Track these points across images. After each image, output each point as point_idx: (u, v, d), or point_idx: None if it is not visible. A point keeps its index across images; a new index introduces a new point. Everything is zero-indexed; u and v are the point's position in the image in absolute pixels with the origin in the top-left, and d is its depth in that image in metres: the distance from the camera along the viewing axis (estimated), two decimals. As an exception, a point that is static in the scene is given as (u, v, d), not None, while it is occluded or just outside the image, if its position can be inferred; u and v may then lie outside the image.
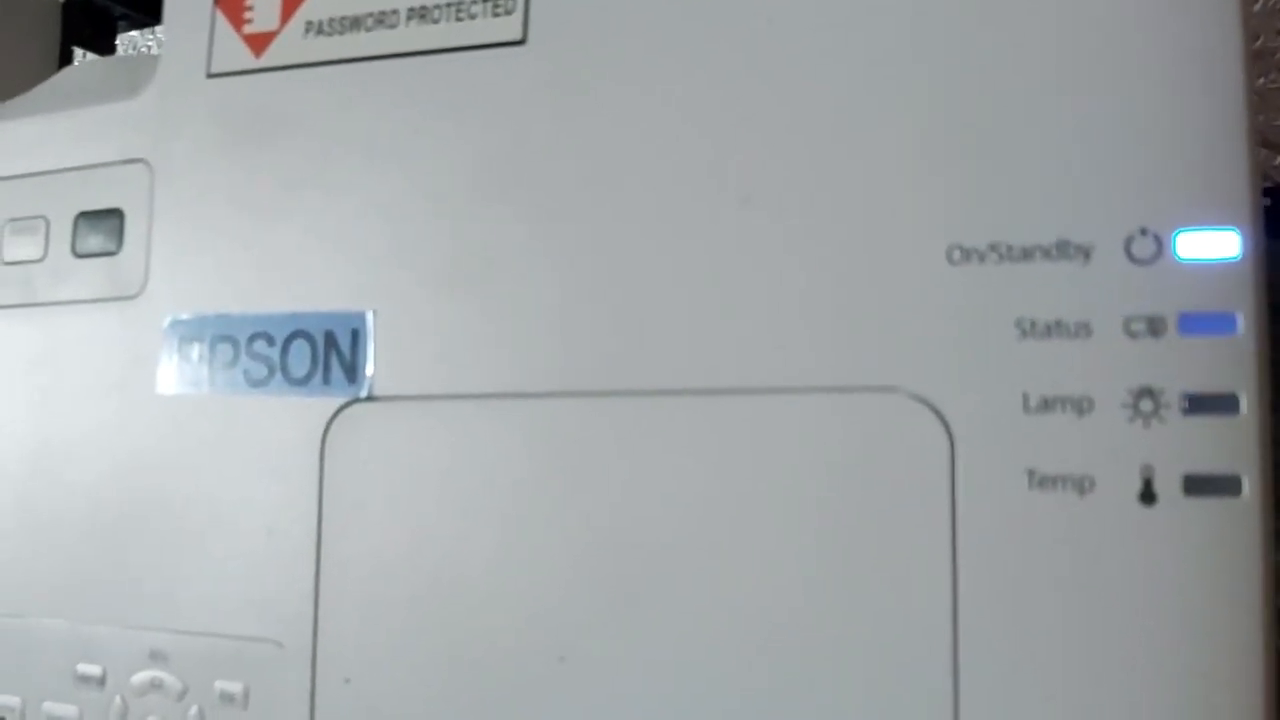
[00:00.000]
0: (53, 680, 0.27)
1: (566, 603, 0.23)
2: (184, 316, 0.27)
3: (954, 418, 0.20)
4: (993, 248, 0.21)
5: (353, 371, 0.25)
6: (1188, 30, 0.20)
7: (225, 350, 0.26)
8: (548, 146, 0.24)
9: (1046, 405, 0.20)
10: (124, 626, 0.27)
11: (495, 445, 0.24)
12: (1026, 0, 0.21)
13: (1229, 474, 0.19)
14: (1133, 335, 0.20)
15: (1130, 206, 0.20)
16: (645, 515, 0.22)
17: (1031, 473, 0.20)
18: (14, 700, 0.28)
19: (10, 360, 0.29)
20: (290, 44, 0.27)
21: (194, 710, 0.26)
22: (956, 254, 0.21)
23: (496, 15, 0.25)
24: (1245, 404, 0.19)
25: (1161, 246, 0.20)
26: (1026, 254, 0.20)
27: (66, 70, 0.34)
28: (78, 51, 0.57)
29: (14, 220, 0.29)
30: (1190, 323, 0.19)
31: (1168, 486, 0.19)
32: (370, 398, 0.25)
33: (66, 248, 0.29)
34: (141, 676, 0.26)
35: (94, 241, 0.28)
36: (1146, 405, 0.19)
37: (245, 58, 0.27)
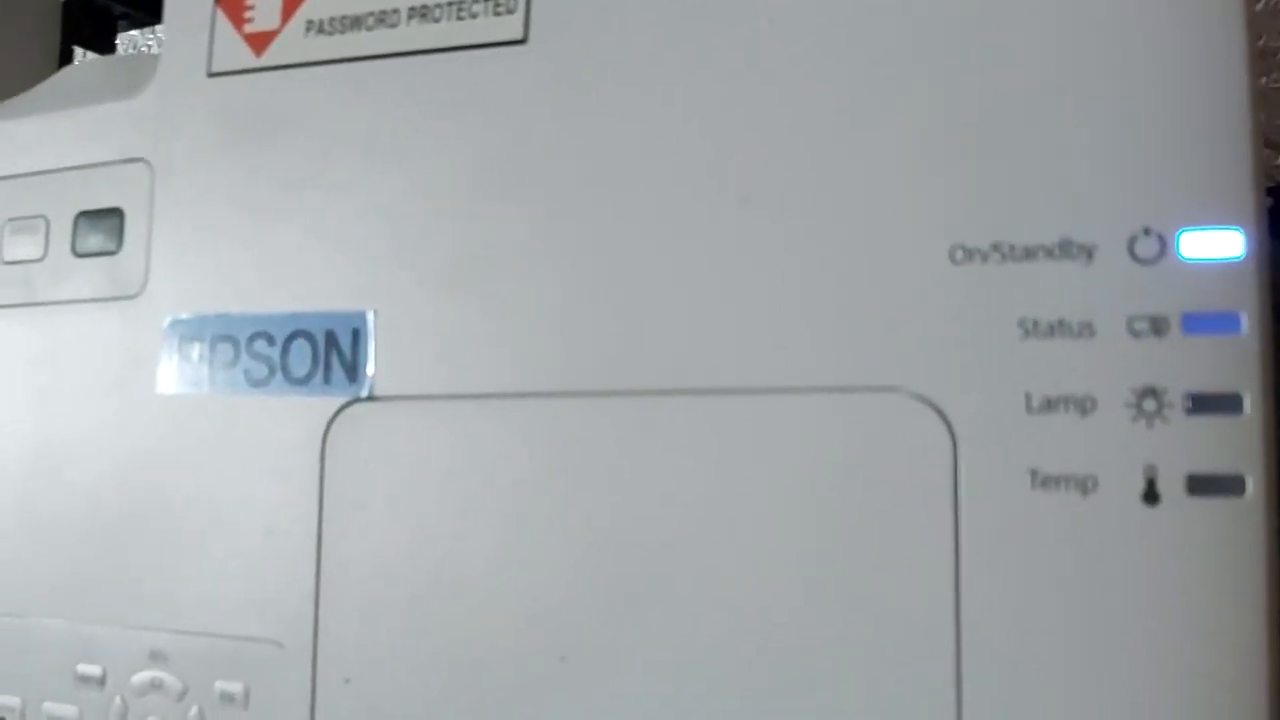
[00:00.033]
0: (53, 680, 0.27)
1: (568, 603, 0.23)
2: (184, 316, 0.27)
3: (956, 418, 0.20)
4: (995, 247, 0.20)
5: (353, 371, 0.25)
6: (1191, 29, 0.20)
7: (225, 350, 0.26)
8: (549, 146, 0.24)
9: (1049, 405, 0.20)
10: (124, 626, 0.27)
11: (496, 445, 0.24)
12: (1029, -1, 0.21)
13: (1233, 474, 0.19)
14: (1136, 335, 0.20)
15: (1133, 206, 0.20)
16: (647, 515, 0.22)
17: (1034, 473, 0.20)
18: (14, 700, 0.28)
19: (10, 360, 0.29)
20: (291, 43, 0.27)
21: (194, 710, 0.26)
22: (959, 254, 0.21)
23: (497, 14, 0.25)
24: (1249, 404, 0.19)
25: (1165, 246, 0.20)
26: (1029, 253, 0.20)
27: (67, 69, 0.34)
28: (78, 51, 0.57)
29: (14, 220, 0.29)
30: (1194, 322, 0.19)
31: (1171, 486, 0.19)
32: (371, 397, 0.25)
33: (66, 247, 0.29)
34: (141, 677, 0.26)
35: (94, 241, 0.28)
36: (1150, 405, 0.19)
37: (246, 57, 0.27)
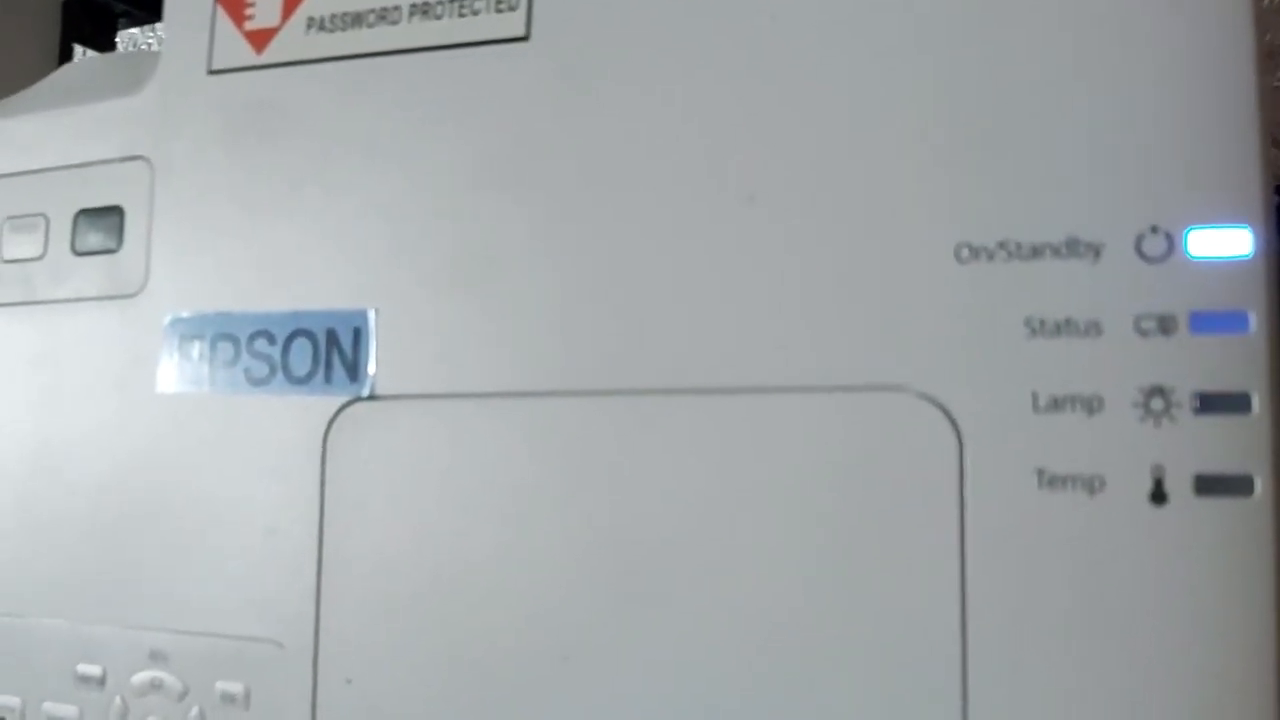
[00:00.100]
0: (53, 680, 0.27)
1: (571, 602, 0.22)
2: (184, 315, 0.27)
3: (963, 417, 0.20)
4: (1002, 246, 0.20)
5: (354, 370, 0.25)
6: (1199, 27, 0.20)
7: (226, 349, 0.26)
8: (550, 144, 0.24)
9: (1056, 404, 0.20)
10: (124, 626, 0.26)
11: (498, 445, 0.23)
12: (1035, -4, 0.21)
13: (1241, 474, 0.19)
14: (1143, 334, 0.19)
15: (1141, 204, 0.20)
16: (651, 515, 0.22)
17: (1041, 472, 0.20)
18: (14, 700, 0.28)
19: (10, 359, 0.29)
20: (291, 40, 0.26)
21: (195, 711, 0.26)
22: (965, 252, 0.21)
23: (499, 11, 0.25)
24: (1257, 403, 0.19)
25: (1172, 244, 0.20)
26: (1036, 252, 0.20)
27: (67, 67, 0.34)
28: (78, 49, 0.57)
29: (13, 218, 0.29)
30: (1201, 321, 0.19)
31: (1179, 486, 0.19)
32: (372, 397, 0.25)
33: (66, 245, 0.28)
34: (142, 677, 0.26)
35: (94, 239, 0.28)
36: (1157, 404, 0.19)
37: (246, 54, 0.27)
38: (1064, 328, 0.20)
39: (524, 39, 0.24)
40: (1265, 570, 0.19)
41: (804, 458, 0.21)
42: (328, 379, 0.25)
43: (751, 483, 0.21)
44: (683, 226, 0.23)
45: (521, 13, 0.24)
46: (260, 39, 0.27)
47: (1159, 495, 0.19)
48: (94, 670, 0.27)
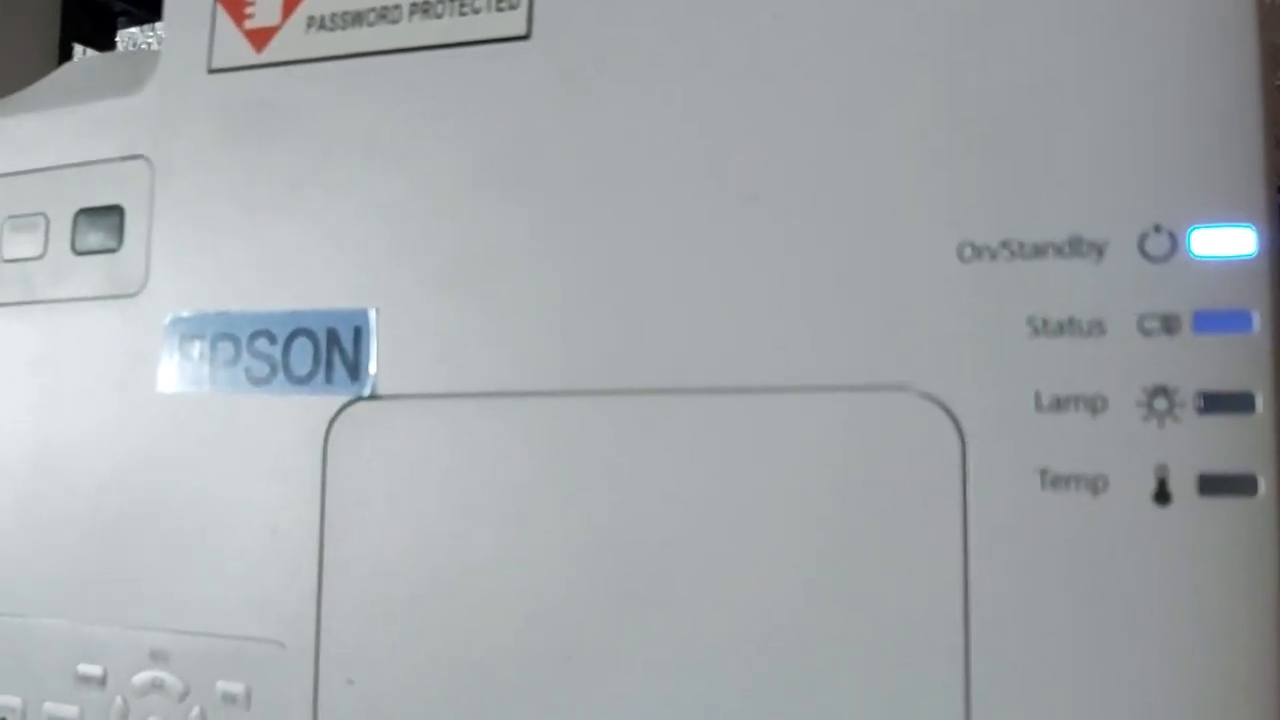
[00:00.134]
0: (54, 680, 0.27)
1: (572, 602, 0.22)
2: (185, 314, 0.27)
3: (965, 417, 0.20)
4: (1004, 245, 0.20)
5: (355, 370, 0.25)
6: (1202, 25, 0.20)
7: (226, 348, 0.26)
8: (551, 143, 0.24)
9: (1059, 404, 0.20)
10: (125, 626, 0.26)
11: (500, 444, 0.23)
12: (1038, -6, 0.21)
13: (1245, 474, 0.19)
14: (1147, 333, 0.19)
15: (1144, 203, 0.20)
16: (653, 515, 0.22)
17: (1044, 472, 0.20)
18: (15, 700, 0.28)
19: (10, 359, 0.29)
20: (292, 39, 0.26)
21: (196, 711, 0.26)
22: (967, 251, 0.21)
23: (500, 10, 0.25)
24: (1261, 403, 0.19)
25: (1176, 243, 0.19)
26: (1039, 251, 0.20)
27: (66, 66, 0.33)
28: (77, 48, 0.57)
29: (13, 217, 0.29)
30: (1205, 321, 0.19)
31: (1182, 486, 0.19)
32: (373, 396, 0.24)
33: (66, 245, 0.28)
34: (143, 677, 0.26)
35: (94, 239, 0.28)
36: (1161, 404, 0.19)
37: (246, 53, 0.27)
38: (1067, 327, 0.20)
39: (525, 38, 0.24)
40: (1269, 570, 0.19)
41: (806, 458, 0.21)
42: (328, 378, 0.25)
43: (753, 483, 0.21)
44: (684, 226, 0.22)
45: (522, 11, 0.24)
46: (260, 38, 0.27)
47: (1163, 495, 0.19)
48: (95, 670, 0.27)
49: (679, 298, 0.22)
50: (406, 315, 0.24)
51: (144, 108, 0.28)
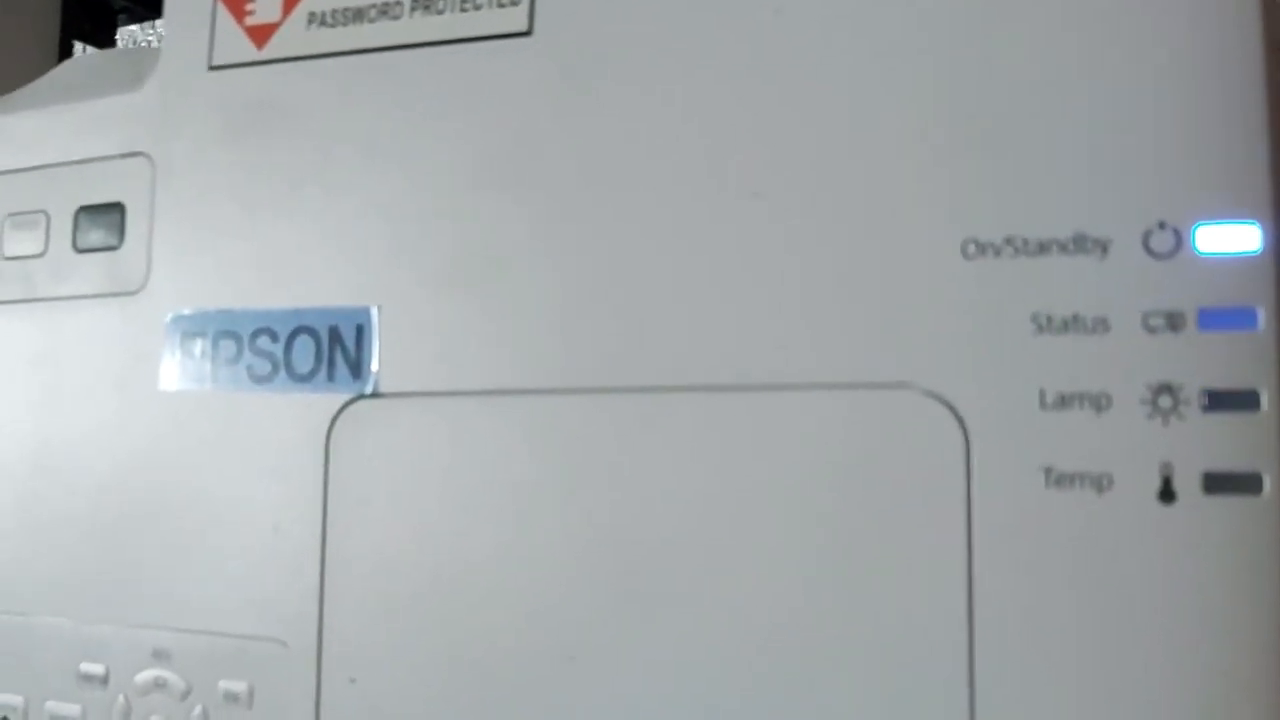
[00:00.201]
0: (56, 679, 0.27)
1: (575, 601, 0.22)
2: (186, 312, 0.26)
3: (969, 414, 0.20)
4: (1008, 242, 0.20)
5: (357, 368, 0.25)
6: (1207, 21, 0.20)
7: (228, 346, 0.26)
8: (553, 140, 0.24)
9: (1064, 402, 0.20)
10: (127, 625, 0.26)
11: (502, 442, 0.23)
12: (1042, -10, 0.21)
13: (1249, 472, 0.19)
14: (1151, 330, 0.19)
15: (1148, 200, 0.20)
16: (656, 514, 0.22)
17: (1048, 470, 0.20)
18: (17, 699, 0.28)
19: (11, 357, 0.29)
20: (292, 36, 0.26)
21: (198, 710, 0.26)
22: (971, 248, 0.20)
23: (502, 6, 0.24)
24: (1266, 400, 0.19)
25: (1180, 240, 0.19)
26: (1043, 248, 0.20)
27: (67, 63, 0.33)
28: (77, 46, 0.57)
29: (14, 215, 0.29)
30: (1210, 318, 0.19)
31: (1187, 484, 0.19)
32: (375, 394, 0.24)
33: (67, 243, 0.28)
34: (145, 676, 0.26)
35: (95, 236, 0.28)
36: (1165, 402, 0.19)
37: (247, 50, 0.27)
38: (1071, 324, 0.20)
39: (526, 34, 0.24)
40: (1274, 568, 0.19)
41: (809, 455, 0.21)
42: (330, 376, 0.25)
43: (756, 481, 0.21)
44: (686, 223, 0.22)
45: (524, 8, 0.24)
46: (261, 34, 0.27)
47: (1167, 493, 0.19)
48: (97, 669, 0.27)
49: (681, 295, 0.22)
50: (408, 313, 0.24)
51: (145, 105, 0.28)
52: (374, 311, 0.25)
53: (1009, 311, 0.20)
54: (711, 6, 0.23)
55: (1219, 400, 0.19)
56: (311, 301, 0.25)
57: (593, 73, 0.24)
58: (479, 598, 0.23)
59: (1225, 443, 0.19)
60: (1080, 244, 0.20)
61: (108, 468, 0.27)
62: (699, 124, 0.23)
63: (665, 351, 0.22)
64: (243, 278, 0.26)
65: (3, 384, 0.29)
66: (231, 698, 0.25)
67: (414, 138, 0.25)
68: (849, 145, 0.22)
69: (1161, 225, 0.19)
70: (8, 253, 0.29)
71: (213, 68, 0.27)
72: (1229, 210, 0.19)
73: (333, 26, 0.26)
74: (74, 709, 0.27)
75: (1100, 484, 0.19)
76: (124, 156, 0.28)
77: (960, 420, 0.20)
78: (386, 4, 0.26)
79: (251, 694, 0.25)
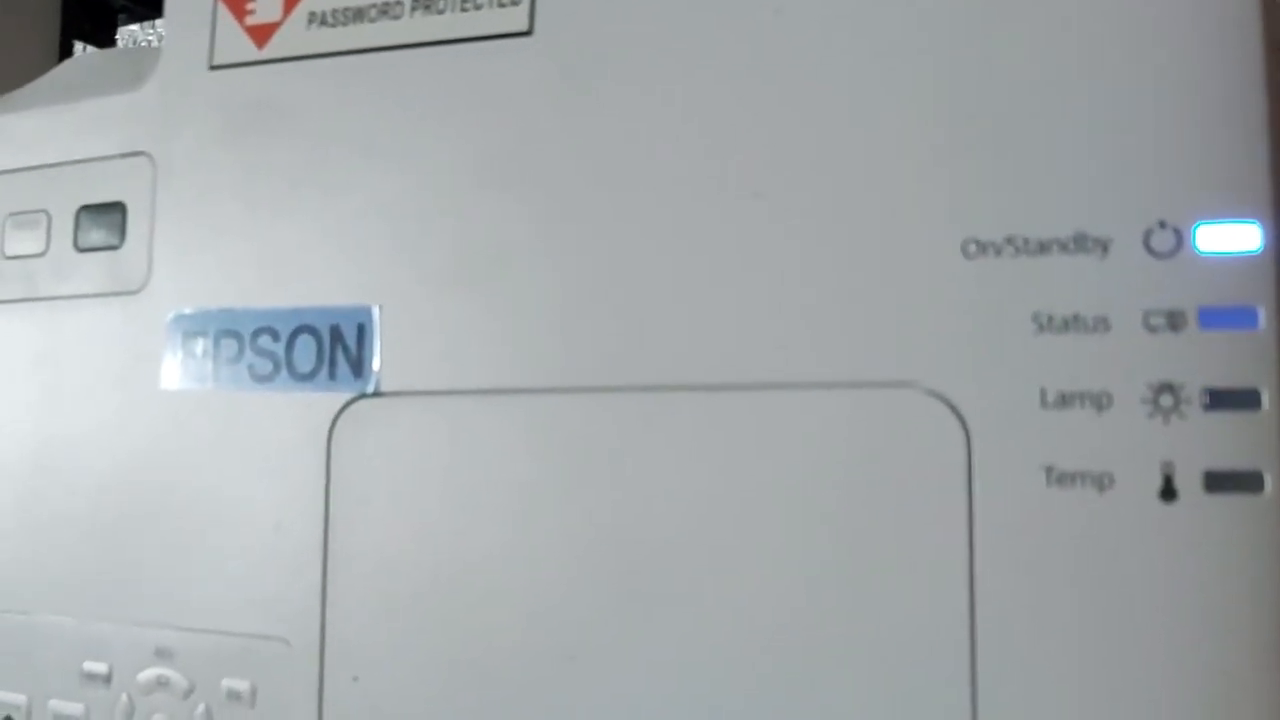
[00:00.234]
0: (59, 678, 0.27)
1: (577, 600, 0.22)
2: (188, 311, 0.27)
3: (970, 413, 0.20)
4: (1009, 241, 0.20)
5: (359, 367, 0.25)
6: (1208, 20, 0.20)
7: (230, 345, 0.26)
8: (554, 140, 0.24)
9: (1065, 401, 0.20)
10: (130, 624, 0.26)
11: (504, 441, 0.23)
12: (1043, -11, 0.21)
13: (1251, 470, 0.19)
14: (1152, 329, 0.19)
15: (1149, 199, 0.20)
16: (658, 513, 0.22)
17: (1050, 469, 0.20)
18: (20, 698, 0.28)
19: (12, 357, 0.29)
20: (293, 35, 0.26)
21: (201, 708, 0.26)
22: (972, 247, 0.20)
23: (502, 6, 0.24)
24: (1267, 399, 0.19)
25: (1181, 239, 0.19)
26: (1044, 247, 0.20)
27: (67, 63, 0.33)
28: (78, 45, 0.57)
29: (15, 214, 0.29)
30: (1211, 317, 0.19)
31: (1188, 483, 0.19)
32: (376, 393, 0.24)
33: (68, 242, 0.28)
34: (148, 674, 0.26)
35: (96, 236, 0.28)
36: (1166, 401, 0.19)
37: (248, 49, 0.27)
38: (1072, 324, 0.20)
39: (527, 34, 0.24)
40: (1275, 567, 0.19)
41: (811, 454, 0.21)
42: (332, 375, 0.25)
43: (758, 480, 0.21)
44: (687, 223, 0.22)
45: (525, 7, 0.24)
46: (262, 34, 0.27)
47: (1169, 492, 0.19)
48: (100, 668, 0.27)
49: (682, 294, 0.22)
50: (409, 312, 0.24)
51: (145, 104, 0.28)
52: (375, 311, 0.25)
53: (1010, 311, 0.20)
54: (712, 6, 0.23)
55: (1220, 399, 0.19)
56: (313, 301, 0.25)
57: (593, 72, 0.24)
58: (481, 596, 0.23)
59: (1226, 441, 0.19)
60: (1081, 243, 0.20)
61: (109, 467, 0.27)
62: (700, 124, 0.23)
63: (666, 351, 0.22)
64: (244, 277, 0.26)
65: (4, 383, 0.29)
66: (234, 696, 0.25)
67: (415, 137, 0.25)
68: (849, 145, 0.22)
69: (1162, 224, 0.20)
70: (9, 252, 0.29)
71: (213, 67, 0.27)
72: (1229, 209, 0.19)
73: (333, 26, 0.26)
74: (77, 708, 0.27)
75: (1101, 483, 0.19)
76: (125, 156, 0.28)
77: (961, 419, 0.20)
78: (387, 4, 0.26)
79: (254, 692, 0.25)
